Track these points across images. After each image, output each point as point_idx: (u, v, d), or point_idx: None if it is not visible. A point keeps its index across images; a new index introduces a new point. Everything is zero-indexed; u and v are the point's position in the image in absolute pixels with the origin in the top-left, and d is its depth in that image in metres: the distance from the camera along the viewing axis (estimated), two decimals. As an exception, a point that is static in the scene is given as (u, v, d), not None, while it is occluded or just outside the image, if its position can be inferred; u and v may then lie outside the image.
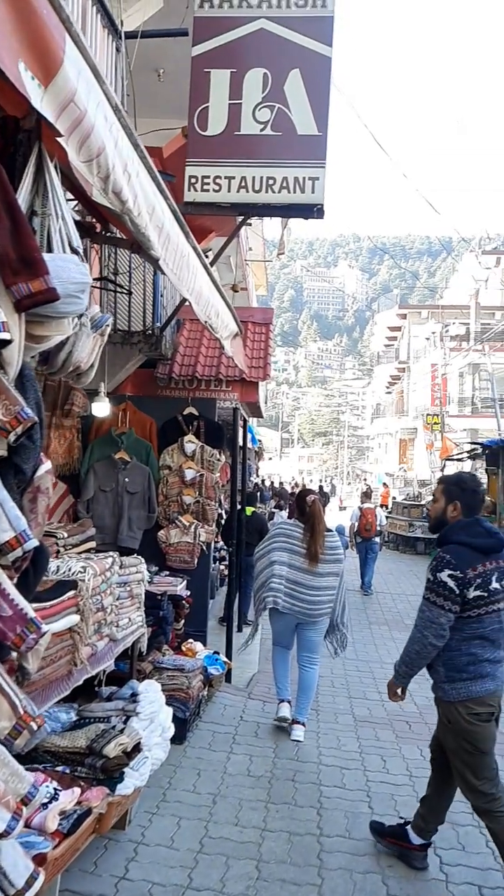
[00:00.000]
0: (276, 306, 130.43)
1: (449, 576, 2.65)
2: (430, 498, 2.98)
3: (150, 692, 3.19)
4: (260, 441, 29.41)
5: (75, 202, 4.29)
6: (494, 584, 2.68)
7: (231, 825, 3.26)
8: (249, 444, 17.32)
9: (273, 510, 18.46)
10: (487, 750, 2.76)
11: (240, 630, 7.19)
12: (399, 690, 2.95)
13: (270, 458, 51.10)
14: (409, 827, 3.06)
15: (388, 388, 44.91)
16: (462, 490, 2.84)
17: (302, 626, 4.54)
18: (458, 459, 19.75)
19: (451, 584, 2.64)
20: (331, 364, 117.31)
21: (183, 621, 4.94)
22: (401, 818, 3.20)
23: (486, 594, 2.67)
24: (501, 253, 30.61)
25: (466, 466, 23.52)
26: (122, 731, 2.85)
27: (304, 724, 4.46)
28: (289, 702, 4.63)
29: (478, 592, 2.65)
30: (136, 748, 2.87)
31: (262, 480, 28.03)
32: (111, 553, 2.95)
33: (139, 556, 3.38)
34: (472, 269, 29.55)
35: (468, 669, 2.70)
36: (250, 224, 12.05)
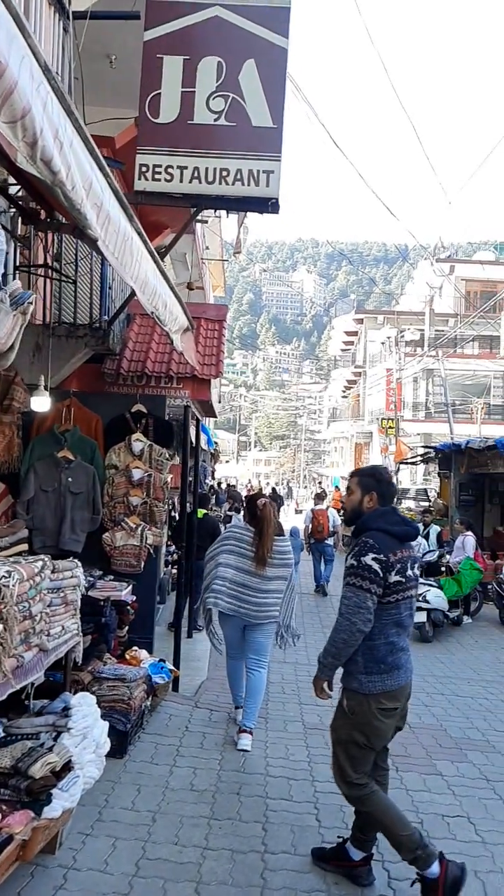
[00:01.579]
0: (235, 309, 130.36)
1: (373, 559, 2.69)
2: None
3: (84, 705, 2.98)
4: (216, 443, 29.21)
5: (18, 187, 4.07)
6: (409, 572, 2.80)
7: (170, 845, 3.07)
8: (205, 446, 17.15)
9: (229, 513, 18.31)
10: (377, 747, 2.83)
11: (189, 636, 7.00)
12: (325, 685, 2.90)
13: (227, 461, 50.88)
14: (347, 844, 2.95)
15: (344, 392, 45.36)
16: (378, 481, 2.92)
17: (249, 628, 4.49)
18: (412, 463, 20.02)
19: (376, 566, 2.69)
20: (289, 368, 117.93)
21: (127, 628, 4.73)
22: (338, 837, 3.08)
23: (403, 580, 2.76)
24: (455, 261, 31.27)
25: (420, 470, 23.89)
26: (51, 748, 2.64)
27: (251, 733, 4.31)
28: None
29: (397, 577, 2.73)
30: (67, 767, 2.66)
31: (219, 483, 27.82)
32: (42, 556, 2.74)
33: (75, 560, 3.16)
34: (427, 277, 30.13)
35: (386, 660, 2.75)
36: (206, 222, 11.90)
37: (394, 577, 2.71)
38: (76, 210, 2.29)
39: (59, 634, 2.89)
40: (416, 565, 2.87)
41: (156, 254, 3.52)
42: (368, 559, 2.69)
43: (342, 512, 3.15)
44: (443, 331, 26.92)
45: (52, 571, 2.82)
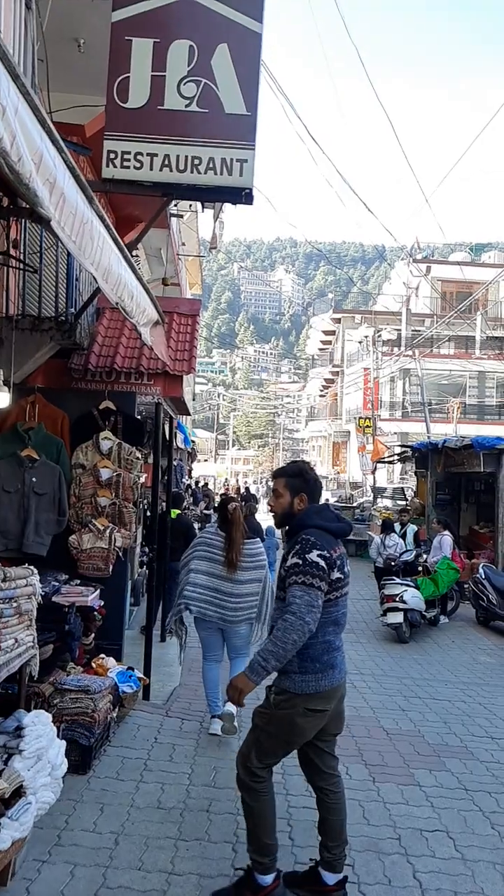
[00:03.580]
0: (214, 308, 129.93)
1: (318, 556, 2.63)
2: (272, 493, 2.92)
3: (39, 724, 2.76)
4: (194, 442, 28.93)
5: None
6: (346, 568, 2.78)
7: (133, 870, 2.88)
8: (182, 445, 16.88)
9: (205, 511, 18.13)
10: (293, 744, 2.75)
11: (163, 640, 6.79)
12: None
13: (206, 460, 50.56)
14: (320, 868, 2.80)
15: (322, 391, 45.36)
16: (306, 481, 2.87)
17: (225, 632, 4.49)
18: (389, 462, 20.00)
19: (322, 563, 2.63)
20: (267, 367, 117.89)
21: (93, 635, 4.51)
22: (311, 859, 2.92)
23: (342, 576, 2.74)
24: (432, 262, 31.41)
25: (397, 469, 23.92)
26: None
27: None
28: (220, 717, 4.42)
29: (338, 574, 2.70)
30: (18, 793, 2.45)
31: (196, 482, 27.56)
32: (-9, 564, 2.53)
33: (30, 567, 2.95)
34: (404, 277, 30.24)
35: (322, 659, 2.69)
36: (182, 216, 11.69)
37: (335, 574, 2.68)
38: (24, 185, 2.09)
39: (12, 648, 2.68)
40: (347, 562, 2.83)
41: (121, 242, 3.33)
42: (314, 556, 2.61)
43: (272, 515, 2.99)
44: (419, 331, 26.99)
45: (4, 580, 2.61)
